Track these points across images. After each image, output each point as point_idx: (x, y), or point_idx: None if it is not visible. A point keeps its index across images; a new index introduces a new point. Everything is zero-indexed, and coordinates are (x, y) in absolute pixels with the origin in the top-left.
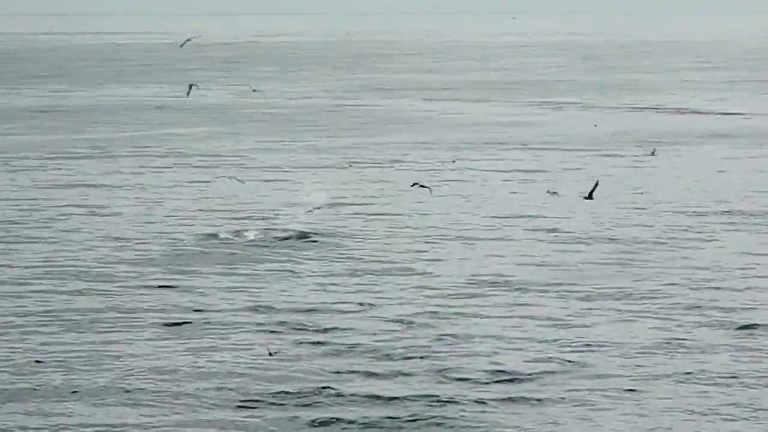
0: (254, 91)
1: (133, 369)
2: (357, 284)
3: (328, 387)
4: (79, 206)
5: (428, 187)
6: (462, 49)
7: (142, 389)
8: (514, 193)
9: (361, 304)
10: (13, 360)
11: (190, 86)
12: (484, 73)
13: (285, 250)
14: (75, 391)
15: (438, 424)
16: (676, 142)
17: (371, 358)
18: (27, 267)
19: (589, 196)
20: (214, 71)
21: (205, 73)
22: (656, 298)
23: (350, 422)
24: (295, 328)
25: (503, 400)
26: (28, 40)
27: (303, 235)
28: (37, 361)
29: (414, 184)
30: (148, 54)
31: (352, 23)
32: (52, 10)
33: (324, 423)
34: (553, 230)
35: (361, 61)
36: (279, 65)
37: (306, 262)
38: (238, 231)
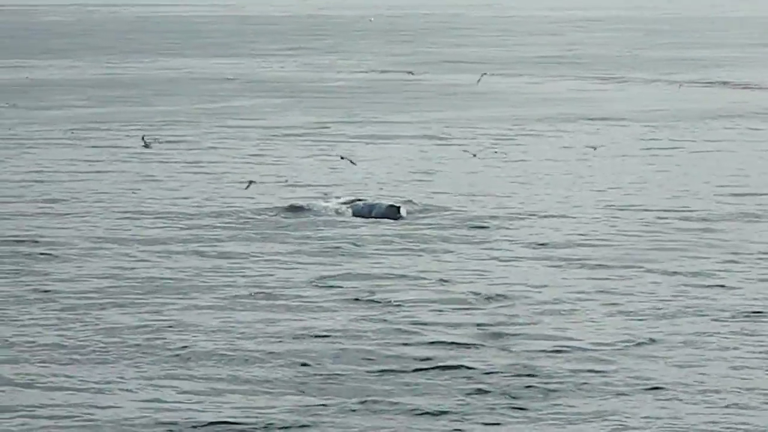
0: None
1: (196, 338)
2: (427, 259)
3: (394, 357)
4: (141, 178)
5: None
6: (527, 23)
7: (202, 357)
8: (583, 168)
9: (431, 279)
10: (76, 328)
11: (144, 140)
12: (549, 48)
13: (355, 224)
14: (133, 359)
15: (506, 397)
16: (737, 116)
17: (439, 332)
18: (89, 238)
19: None
20: (277, 44)
21: (270, 46)
22: (730, 272)
23: (414, 392)
24: (365, 303)
25: (573, 373)
26: (86, 11)
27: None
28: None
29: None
30: (210, 26)
31: None
32: None
33: (387, 393)
34: (627, 206)
35: (424, 36)
36: (338, 38)
37: (377, 235)
38: (308, 204)
